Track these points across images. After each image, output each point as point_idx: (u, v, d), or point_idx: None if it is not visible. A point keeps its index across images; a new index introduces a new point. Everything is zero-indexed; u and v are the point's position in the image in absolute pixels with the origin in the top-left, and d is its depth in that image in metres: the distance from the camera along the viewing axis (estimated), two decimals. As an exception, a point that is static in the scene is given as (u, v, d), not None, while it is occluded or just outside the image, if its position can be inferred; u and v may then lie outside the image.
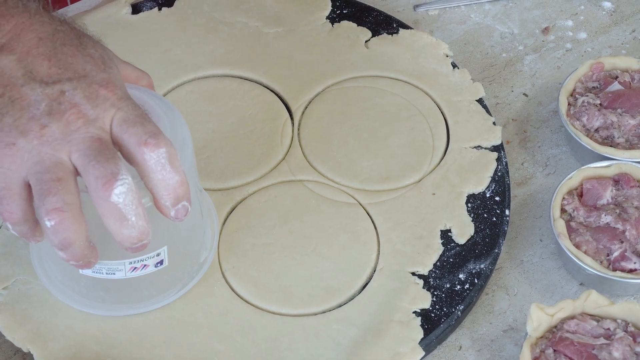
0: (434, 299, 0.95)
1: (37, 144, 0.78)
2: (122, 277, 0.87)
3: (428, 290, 0.96)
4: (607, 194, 1.01)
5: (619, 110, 1.07)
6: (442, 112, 1.11)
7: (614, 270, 0.96)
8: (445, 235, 1.00)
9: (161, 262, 0.88)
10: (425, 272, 0.97)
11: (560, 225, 0.97)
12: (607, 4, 1.27)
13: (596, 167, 1.02)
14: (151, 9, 1.20)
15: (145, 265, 0.87)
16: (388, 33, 1.18)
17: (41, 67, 0.80)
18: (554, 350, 0.88)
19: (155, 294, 0.92)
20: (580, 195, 1.01)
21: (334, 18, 1.20)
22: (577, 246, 0.97)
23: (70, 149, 0.78)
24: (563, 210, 1.00)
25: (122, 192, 0.76)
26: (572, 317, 0.91)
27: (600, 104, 1.08)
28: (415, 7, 1.27)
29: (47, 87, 0.79)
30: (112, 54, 0.88)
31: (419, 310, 0.94)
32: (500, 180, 1.04)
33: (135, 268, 0.87)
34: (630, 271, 0.96)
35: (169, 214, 0.81)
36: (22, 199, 0.79)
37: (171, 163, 0.79)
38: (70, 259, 0.80)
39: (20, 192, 0.79)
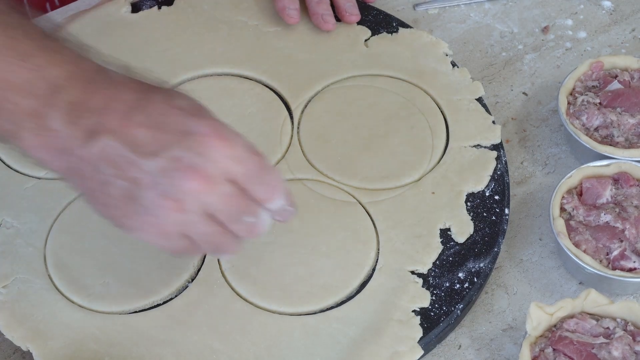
0: (434, 298, 0.95)
1: (179, 216, 0.79)
2: None
3: (427, 289, 0.96)
4: (607, 193, 1.01)
5: (618, 109, 1.07)
6: (441, 111, 1.11)
7: (614, 269, 0.96)
8: (445, 234, 1.00)
9: None
10: (425, 271, 0.97)
11: (559, 224, 0.97)
12: (607, 3, 1.27)
13: (596, 166, 1.02)
14: (151, 7, 1.20)
15: None
16: (388, 32, 1.18)
17: (144, 138, 0.78)
18: (554, 349, 0.88)
19: None
20: (580, 194, 1.01)
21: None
22: (577, 245, 0.97)
23: (211, 211, 0.80)
24: (562, 209, 1.00)
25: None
26: (571, 316, 0.91)
27: (600, 103, 1.08)
28: (415, 6, 1.27)
29: (159, 157, 0.78)
30: (192, 97, 0.85)
31: (419, 309, 0.94)
32: (500, 179, 1.04)
33: None
34: (630, 270, 0.96)
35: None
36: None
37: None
38: None
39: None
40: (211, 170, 0.79)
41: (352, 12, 1.18)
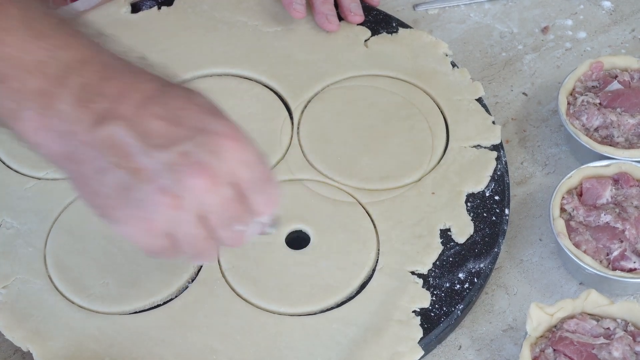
0: (434, 298, 0.95)
1: (173, 214, 0.75)
2: None
3: (427, 289, 0.96)
4: (607, 193, 1.01)
5: (618, 109, 1.07)
6: (441, 111, 1.11)
7: (614, 269, 0.96)
8: (445, 234, 1.00)
9: None
10: (425, 272, 0.97)
11: (559, 225, 0.97)
12: (607, 4, 1.27)
13: (596, 167, 1.02)
14: (150, 7, 1.20)
15: None
16: (387, 32, 1.18)
17: (157, 129, 0.75)
18: (554, 350, 0.88)
19: None
20: (580, 195, 1.01)
21: (333, 17, 1.20)
22: (577, 245, 0.97)
23: (206, 212, 0.76)
24: (562, 210, 1.00)
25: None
26: (571, 317, 0.91)
27: (600, 103, 1.08)
28: (415, 6, 1.27)
29: (168, 151, 0.74)
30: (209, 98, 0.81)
31: (419, 310, 0.94)
32: (500, 180, 1.04)
33: None
34: (630, 270, 0.96)
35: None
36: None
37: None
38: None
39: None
40: (218, 170, 0.76)
41: (356, 12, 1.18)
